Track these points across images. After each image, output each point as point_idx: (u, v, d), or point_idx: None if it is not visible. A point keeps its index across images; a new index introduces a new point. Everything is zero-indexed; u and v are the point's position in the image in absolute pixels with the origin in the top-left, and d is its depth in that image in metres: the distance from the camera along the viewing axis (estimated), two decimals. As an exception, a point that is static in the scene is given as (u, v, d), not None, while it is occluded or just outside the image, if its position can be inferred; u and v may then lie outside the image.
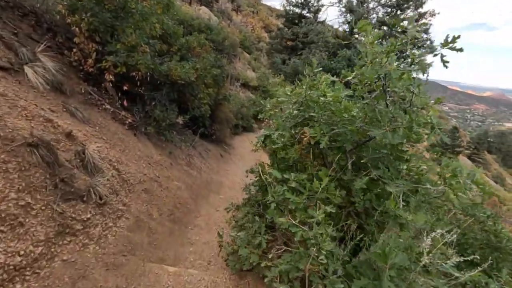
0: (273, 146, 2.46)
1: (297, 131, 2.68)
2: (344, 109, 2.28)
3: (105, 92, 5.35)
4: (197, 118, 8.06)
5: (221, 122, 10.24)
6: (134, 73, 4.80)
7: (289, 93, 2.70)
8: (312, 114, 2.37)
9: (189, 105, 7.83)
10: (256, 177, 4.31)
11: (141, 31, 4.98)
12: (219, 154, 9.35)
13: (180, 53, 8.14)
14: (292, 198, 1.89)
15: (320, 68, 2.57)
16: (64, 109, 3.83)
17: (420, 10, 19.78)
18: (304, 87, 2.67)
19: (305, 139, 2.33)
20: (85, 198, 2.76)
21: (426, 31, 19.52)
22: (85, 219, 2.67)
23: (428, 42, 19.12)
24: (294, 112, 2.80)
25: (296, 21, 25.32)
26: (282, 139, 2.47)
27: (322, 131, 2.14)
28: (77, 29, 4.62)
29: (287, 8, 25.34)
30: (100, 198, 2.97)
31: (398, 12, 20.18)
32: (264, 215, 3.16)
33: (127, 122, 5.02)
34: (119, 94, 5.31)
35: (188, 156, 6.42)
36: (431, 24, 20.34)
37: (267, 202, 2.76)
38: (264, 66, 22.78)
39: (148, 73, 5.01)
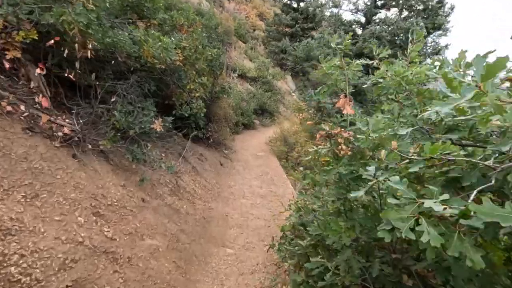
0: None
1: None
2: None
3: (25, 83, 3.15)
4: (187, 117, 5.86)
5: (219, 120, 8.12)
6: (55, 43, 2.57)
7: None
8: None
9: (174, 101, 5.62)
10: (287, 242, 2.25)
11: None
12: (218, 162, 7.20)
13: (161, 31, 5.92)
14: None
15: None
16: None
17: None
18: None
19: None
20: None
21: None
22: None
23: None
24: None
25: (295, 5, 23.11)
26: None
27: None
28: None
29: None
30: None
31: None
32: None
33: (60, 134, 2.83)
34: (46, 85, 3.10)
35: (174, 178, 4.26)
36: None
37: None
38: (262, 56, 20.56)
39: (97, 47, 2.80)
